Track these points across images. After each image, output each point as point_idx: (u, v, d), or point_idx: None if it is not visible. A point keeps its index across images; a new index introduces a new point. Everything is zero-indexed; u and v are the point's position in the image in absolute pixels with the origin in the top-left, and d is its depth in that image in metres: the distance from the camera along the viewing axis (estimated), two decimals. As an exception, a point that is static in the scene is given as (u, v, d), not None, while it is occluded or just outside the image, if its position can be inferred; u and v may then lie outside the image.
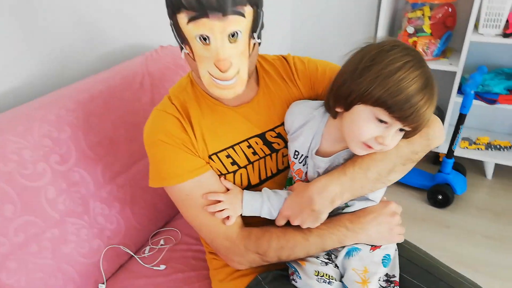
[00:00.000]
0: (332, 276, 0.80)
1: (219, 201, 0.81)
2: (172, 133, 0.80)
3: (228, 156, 0.84)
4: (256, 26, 0.72)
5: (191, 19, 0.65)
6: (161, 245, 1.15)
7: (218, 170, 0.84)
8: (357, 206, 0.82)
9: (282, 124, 0.88)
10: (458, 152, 1.98)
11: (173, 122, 0.82)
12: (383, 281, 0.79)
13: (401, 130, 0.71)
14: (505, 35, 1.66)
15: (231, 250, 0.82)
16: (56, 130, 0.97)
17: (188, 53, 0.72)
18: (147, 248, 1.15)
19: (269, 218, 0.83)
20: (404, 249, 0.91)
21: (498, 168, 2.06)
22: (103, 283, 1.04)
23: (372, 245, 0.81)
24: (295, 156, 0.85)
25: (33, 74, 1.11)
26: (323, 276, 0.79)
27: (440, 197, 1.86)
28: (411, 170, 1.99)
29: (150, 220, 1.17)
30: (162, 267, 1.08)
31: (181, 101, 0.84)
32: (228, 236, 0.82)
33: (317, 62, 0.92)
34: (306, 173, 0.83)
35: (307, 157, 0.83)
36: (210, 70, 0.70)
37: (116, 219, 1.09)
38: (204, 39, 0.67)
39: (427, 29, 1.80)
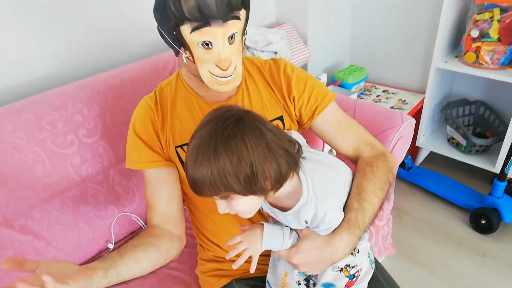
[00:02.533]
0: None
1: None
2: (141, 124, 0.89)
3: None
4: (245, 27, 0.78)
5: (194, 29, 0.70)
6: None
7: None
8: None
9: None
10: (517, 175, 1.77)
11: (145, 114, 0.89)
12: None
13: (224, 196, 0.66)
14: None
15: None
16: (87, 108, 1.14)
17: (188, 57, 0.76)
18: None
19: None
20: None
21: None
22: (112, 244, 1.20)
23: (346, 283, 0.77)
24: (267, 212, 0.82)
25: (76, 60, 1.30)
26: None
27: (483, 221, 1.70)
28: (459, 187, 1.86)
29: (163, 196, 1.31)
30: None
31: (163, 93, 0.91)
32: (147, 224, 0.92)
33: (306, 78, 0.93)
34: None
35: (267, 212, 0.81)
36: (211, 70, 0.76)
37: (132, 190, 1.24)
38: (207, 44, 0.73)
39: (493, 34, 1.62)
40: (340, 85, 2.04)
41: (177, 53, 0.80)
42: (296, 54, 1.87)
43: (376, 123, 1.29)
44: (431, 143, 2.06)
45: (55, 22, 1.22)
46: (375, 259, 0.92)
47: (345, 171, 0.82)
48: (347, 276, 0.77)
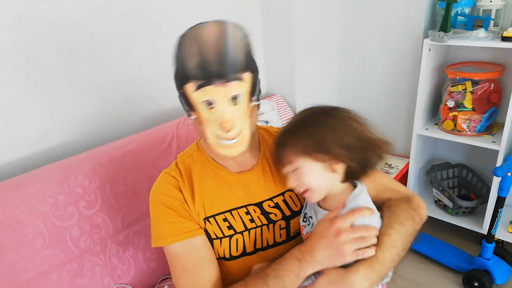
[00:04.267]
0: None
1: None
2: (170, 196, 0.87)
3: (225, 219, 0.87)
4: (254, 90, 0.79)
5: (198, 87, 0.73)
6: (165, 290, 1.28)
7: (214, 233, 0.87)
8: None
9: (280, 194, 0.91)
10: (504, 236, 1.83)
11: (173, 185, 0.88)
12: None
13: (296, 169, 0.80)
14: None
15: None
16: (88, 180, 1.19)
17: (196, 118, 0.79)
18: (153, 291, 1.29)
19: None
20: None
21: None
22: (108, 317, 1.19)
23: None
24: (304, 220, 0.88)
25: (80, 133, 1.38)
26: None
27: (476, 284, 1.71)
28: (449, 248, 1.89)
29: (159, 265, 1.31)
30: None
31: (186, 165, 0.90)
32: None
33: None
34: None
35: (311, 217, 0.86)
36: (215, 132, 0.77)
37: (128, 261, 1.25)
38: (209, 103, 0.74)
39: (468, 104, 1.76)
40: (329, 150, 2.13)
41: (189, 114, 0.81)
42: (285, 123, 1.98)
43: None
44: (419, 205, 2.12)
45: (59, 96, 1.30)
46: None
47: None
48: None
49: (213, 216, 0.88)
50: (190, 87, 0.74)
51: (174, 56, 0.76)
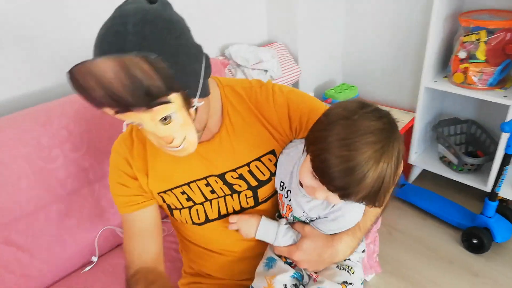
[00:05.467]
0: None
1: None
2: (119, 169, 0.83)
3: (183, 192, 0.84)
4: (189, 102, 0.65)
5: (116, 112, 0.60)
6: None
7: (173, 204, 0.85)
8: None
9: (245, 165, 0.82)
10: (508, 195, 1.77)
11: (123, 157, 0.83)
12: None
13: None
14: None
15: (127, 273, 0.84)
16: (73, 123, 1.17)
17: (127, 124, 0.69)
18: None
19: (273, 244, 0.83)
20: None
21: None
22: (96, 257, 1.22)
23: None
24: (281, 188, 0.83)
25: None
26: None
27: (475, 241, 1.69)
28: (452, 205, 1.86)
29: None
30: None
31: (140, 133, 0.83)
32: (126, 267, 0.85)
33: (302, 97, 0.84)
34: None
35: (290, 191, 0.80)
36: (157, 141, 0.69)
37: (117, 205, 1.26)
38: (138, 123, 0.64)
39: (480, 55, 1.64)
40: (331, 103, 2.07)
41: None
42: (286, 72, 1.90)
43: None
44: (423, 161, 2.06)
45: (41, 38, 1.26)
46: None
47: None
48: None
49: (170, 190, 0.83)
50: (108, 110, 0.60)
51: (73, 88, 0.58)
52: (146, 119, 0.62)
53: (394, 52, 2.12)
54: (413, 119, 1.99)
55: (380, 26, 2.11)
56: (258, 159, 0.83)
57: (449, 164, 1.97)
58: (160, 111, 0.61)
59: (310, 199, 0.76)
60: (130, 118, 0.62)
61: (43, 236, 1.13)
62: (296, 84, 2.07)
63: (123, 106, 0.58)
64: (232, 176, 0.82)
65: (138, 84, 0.55)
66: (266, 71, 1.84)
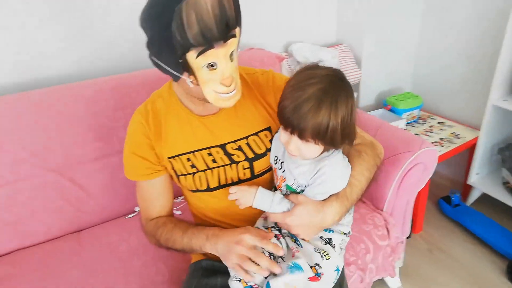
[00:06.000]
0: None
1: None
2: (135, 141, 0.95)
3: (189, 159, 0.94)
4: (239, 42, 0.80)
5: (199, 53, 0.73)
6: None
7: (180, 169, 0.95)
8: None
9: (244, 138, 0.94)
10: None
11: (139, 131, 0.95)
12: None
13: (308, 141, 0.77)
14: None
15: (144, 229, 1.02)
16: (135, 92, 1.38)
17: (192, 81, 0.79)
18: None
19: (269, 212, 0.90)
20: None
21: None
22: (138, 207, 1.42)
23: (311, 276, 0.84)
24: (275, 162, 0.93)
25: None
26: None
27: (520, 273, 1.56)
28: (505, 233, 1.75)
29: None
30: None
31: (155, 105, 0.95)
32: (146, 219, 1.02)
33: None
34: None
35: (283, 162, 0.90)
36: (216, 89, 0.80)
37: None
38: (211, 65, 0.76)
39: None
40: (391, 110, 2.04)
41: (176, 79, 0.82)
42: (345, 73, 1.94)
43: (391, 145, 1.32)
44: (484, 183, 1.93)
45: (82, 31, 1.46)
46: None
47: None
48: (313, 273, 0.85)
49: (178, 156, 0.94)
50: (191, 55, 0.74)
51: (164, 27, 0.72)
52: (221, 55, 0.76)
53: (466, 65, 2.01)
54: (476, 138, 1.88)
55: (454, 38, 2.02)
56: (256, 133, 0.95)
57: (511, 190, 1.82)
58: (231, 45, 0.76)
59: (298, 164, 0.86)
60: (210, 57, 0.75)
61: (100, 182, 1.36)
62: (356, 86, 2.09)
63: (209, 42, 0.72)
64: (232, 147, 0.94)
65: (224, 14, 0.72)
66: (324, 70, 1.90)
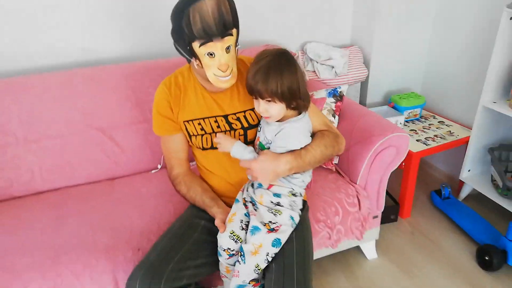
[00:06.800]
0: (240, 238, 1.15)
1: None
2: (160, 105, 1.26)
3: (199, 124, 1.25)
4: (238, 39, 1.12)
5: (201, 44, 1.04)
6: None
7: (192, 131, 1.25)
8: None
9: (242, 111, 1.24)
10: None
11: (163, 97, 1.25)
12: (270, 256, 1.10)
13: (269, 101, 1.06)
14: None
15: (170, 178, 1.36)
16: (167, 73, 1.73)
17: (197, 64, 1.10)
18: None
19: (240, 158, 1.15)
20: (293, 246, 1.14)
21: None
22: (160, 165, 1.77)
23: (268, 230, 1.11)
24: (259, 130, 1.21)
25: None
26: (234, 235, 1.15)
27: (486, 258, 1.72)
28: (483, 223, 1.95)
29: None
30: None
31: (178, 79, 1.26)
32: (170, 168, 1.35)
33: None
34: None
35: (261, 126, 1.19)
36: (215, 73, 1.10)
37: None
38: (211, 54, 1.06)
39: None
40: (394, 107, 2.25)
41: (189, 61, 1.14)
42: (351, 71, 2.18)
43: (369, 129, 1.56)
44: (475, 180, 2.09)
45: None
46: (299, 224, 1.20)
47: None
48: (267, 228, 1.11)
49: (191, 120, 1.25)
50: (195, 44, 1.04)
51: (179, 23, 1.03)
52: (219, 47, 1.05)
53: (467, 69, 2.18)
54: (468, 137, 2.04)
55: (459, 42, 2.19)
56: (252, 109, 1.24)
57: (497, 187, 1.97)
58: (227, 41, 1.05)
59: (270, 125, 1.14)
60: (210, 48, 1.04)
61: (133, 142, 1.72)
62: (364, 84, 2.32)
63: (209, 37, 1.02)
64: (232, 118, 1.24)
65: (221, 17, 1.01)
66: (332, 67, 2.15)
